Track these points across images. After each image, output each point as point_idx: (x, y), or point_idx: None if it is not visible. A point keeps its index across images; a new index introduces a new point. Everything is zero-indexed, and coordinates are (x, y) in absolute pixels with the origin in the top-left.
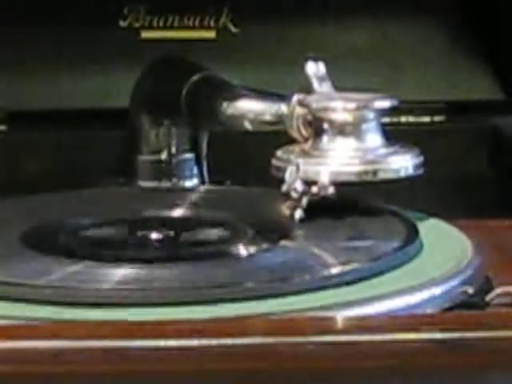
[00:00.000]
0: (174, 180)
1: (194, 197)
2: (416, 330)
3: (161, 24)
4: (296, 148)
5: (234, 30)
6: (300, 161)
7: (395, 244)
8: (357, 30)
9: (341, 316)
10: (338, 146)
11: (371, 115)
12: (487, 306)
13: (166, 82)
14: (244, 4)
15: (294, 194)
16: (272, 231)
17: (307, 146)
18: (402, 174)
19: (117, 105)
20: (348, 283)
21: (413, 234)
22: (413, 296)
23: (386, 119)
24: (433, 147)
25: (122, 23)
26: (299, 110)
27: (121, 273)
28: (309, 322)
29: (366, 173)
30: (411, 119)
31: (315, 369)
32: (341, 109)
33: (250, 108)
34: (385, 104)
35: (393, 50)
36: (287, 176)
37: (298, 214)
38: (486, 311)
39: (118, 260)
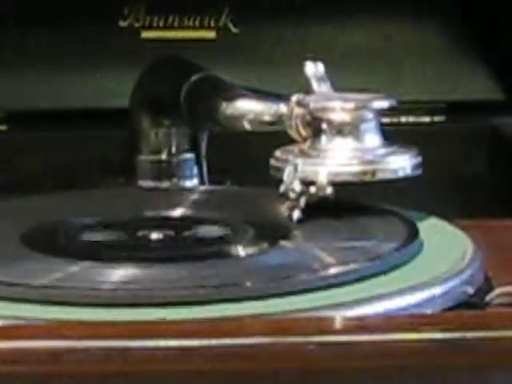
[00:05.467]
0: (174, 180)
1: (193, 197)
2: (416, 330)
3: (161, 24)
4: (295, 148)
5: (233, 29)
6: (298, 161)
7: (395, 244)
8: (357, 30)
9: (341, 316)
10: (337, 146)
11: (370, 115)
12: (487, 305)
13: (165, 82)
14: (244, 4)
15: (292, 195)
16: (272, 231)
17: (306, 146)
18: (401, 174)
19: (117, 105)
20: (348, 283)
21: (413, 233)
22: (413, 296)
23: (386, 119)
24: (432, 147)
25: (122, 23)
26: (298, 110)
27: (121, 273)
28: (309, 322)
29: (364, 173)
30: (411, 119)
31: (315, 369)
32: (339, 109)
33: (249, 108)
34: (383, 104)
35: (393, 50)
36: (285, 176)
37: (296, 214)
38: (485, 311)
39: (118, 260)
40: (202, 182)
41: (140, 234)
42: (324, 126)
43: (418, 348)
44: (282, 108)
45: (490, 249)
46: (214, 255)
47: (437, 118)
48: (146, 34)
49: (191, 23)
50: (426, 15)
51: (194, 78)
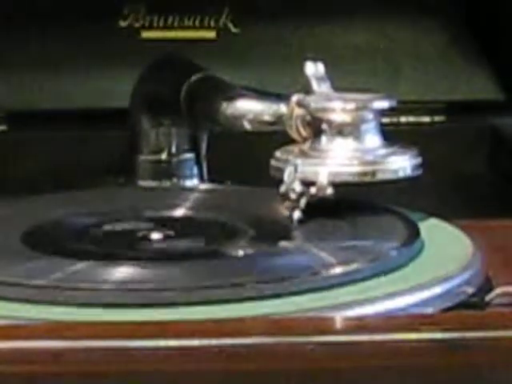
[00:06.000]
0: (174, 180)
1: (193, 197)
2: (416, 329)
3: (161, 24)
4: (295, 148)
5: (233, 29)
6: (298, 161)
7: (396, 244)
8: (357, 30)
9: (341, 316)
10: (337, 146)
11: (370, 116)
12: (487, 305)
13: (165, 82)
14: (244, 4)
15: (292, 195)
16: (272, 231)
17: (306, 146)
18: (401, 174)
19: (117, 105)
20: (348, 283)
21: (414, 233)
22: (413, 296)
23: (386, 119)
24: (433, 147)
25: (122, 23)
26: (298, 111)
27: (121, 273)
28: (309, 321)
29: (364, 173)
30: (411, 119)
31: (315, 369)
32: (339, 109)
33: (249, 108)
34: (383, 104)
35: (393, 50)
36: (285, 177)
37: (296, 214)
38: (485, 311)
39: (118, 260)
40: (202, 182)
41: (140, 234)
42: (324, 126)
43: (418, 348)
44: (282, 108)
45: (490, 249)
46: (214, 255)
47: (437, 118)
48: (146, 34)
49: (191, 23)
50: (426, 15)
51: (193, 78)
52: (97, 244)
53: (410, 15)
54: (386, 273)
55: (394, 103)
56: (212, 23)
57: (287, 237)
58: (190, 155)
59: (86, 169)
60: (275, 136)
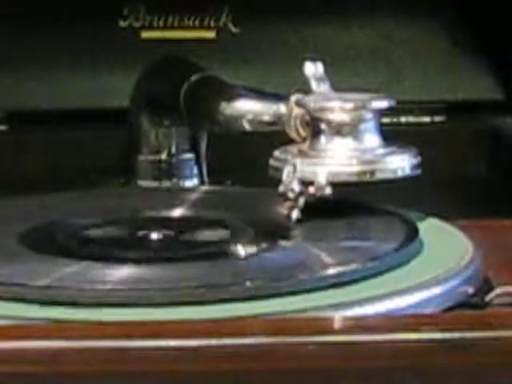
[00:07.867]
0: (174, 180)
1: (193, 197)
2: (416, 330)
3: (161, 24)
4: (294, 148)
5: (234, 29)
6: (297, 161)
7: (395, 244)
8: (357, 30)
9: (341, 316)
10: (336, 146)
11: (369, 115)
12: (487, 305)
13: (165, 82)
14: (244, 4)
15: (291, 195)
16: (272, 231)
17: (305, 146)
18: (400, 174)
19: (117, 105)
20: (348, 283)
21: (413, 233)
22: (413, 296)
23: (386, 119)
24: (433, 147)
25: (122, 23)
26: (297, 111)
27: (121, 273)
28: (308, 322)
29: (363, 173)
30: (411, 119)
31: (315, 369)
32: (338, 109)
33: (248, 108)
34: (382, 104)
35: (393, 49)
36: (284, 176)
37: (295, 214)
38: (485, 311)
39: (118, 260)
40: (201, 182)
41: (140, 234)
42: (323, 126)
43: (418, 348)
44: (282, 108)
45: (490, 249)
46: (214, 255)
47: (437, 118)
48: (145, 34)
49: (191, 23)
50: (426, 15)
51: (193, 78)
52: (96, 244)
53: (409, 15)
54: (385, 273)
55: (392, 103)
56: (212, 23)
57: (286, 236)
58: (189, 155)
59: (86, 169)
60: (275, 136)
